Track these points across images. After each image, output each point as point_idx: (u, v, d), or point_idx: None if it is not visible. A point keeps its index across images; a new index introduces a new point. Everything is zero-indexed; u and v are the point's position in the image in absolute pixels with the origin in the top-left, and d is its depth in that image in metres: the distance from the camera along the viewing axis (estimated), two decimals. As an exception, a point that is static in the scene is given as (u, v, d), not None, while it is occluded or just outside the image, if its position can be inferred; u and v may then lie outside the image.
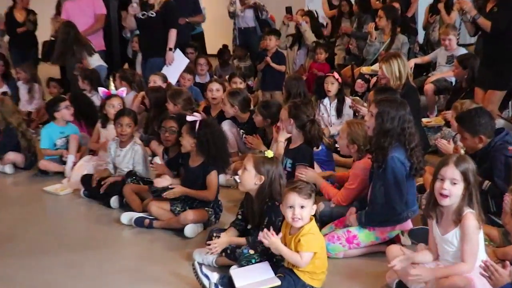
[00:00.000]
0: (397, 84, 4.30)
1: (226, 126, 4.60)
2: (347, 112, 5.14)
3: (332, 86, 5.12)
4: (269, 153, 2.90)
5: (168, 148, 3.93)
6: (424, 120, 5.19)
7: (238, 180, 3.01)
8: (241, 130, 4.70)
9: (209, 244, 2.90)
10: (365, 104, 4.64)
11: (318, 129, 3.58)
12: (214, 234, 3.04)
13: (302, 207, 2.57)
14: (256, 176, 2.86)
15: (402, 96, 3.68)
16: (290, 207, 2.57)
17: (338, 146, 3.86)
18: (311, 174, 3.44)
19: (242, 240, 2.90)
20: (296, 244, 2.58)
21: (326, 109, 5.21)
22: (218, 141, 3.45)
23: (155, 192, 3.65)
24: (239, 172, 2.94)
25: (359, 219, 3.05)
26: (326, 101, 5.23)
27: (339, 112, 5.15)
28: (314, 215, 2.67)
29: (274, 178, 2.87)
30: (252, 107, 4.79)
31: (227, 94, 4.71)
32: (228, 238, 2.93)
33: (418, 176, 3.02)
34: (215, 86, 5.04)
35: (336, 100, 5.19)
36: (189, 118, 3.47)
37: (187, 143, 3.47)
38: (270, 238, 2.57)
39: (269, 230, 2.63)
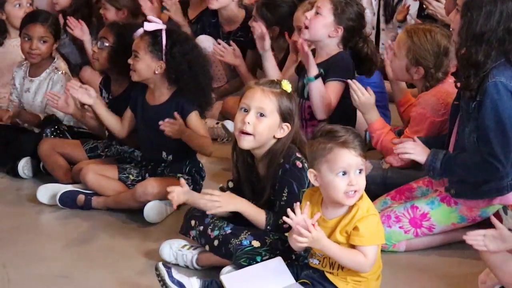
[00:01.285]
0: None
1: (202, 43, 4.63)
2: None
3: None
4: (286, 85, 2.91)
5: (108, 78, 3.90)
6: None
7: (231, 129, 3.03)
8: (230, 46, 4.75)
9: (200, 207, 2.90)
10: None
11: (372, 50, 3.70)
12: (196, 215, 3.00)
13: (360, 171, 2.54)
14: (279, 124, 2.88)
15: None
16: (343, 173, 2.52)
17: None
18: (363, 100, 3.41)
19: (259, 213, 2.87)
20: (350, 235, 2.56)
21: (371, 4, 5.23)
22: (199, 66, 3.48)
23: (94, 150, 3.71)
24: (244, 118, 2.85)
25: (432, 159, 3.02)
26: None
27: (391, 10, 5.18)
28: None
29: (298, 125, 2.93)
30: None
31: None
32: (238, 201, 2.91)
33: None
34: None
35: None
36: (148, 26, 3.49)
37: (147, 67, 3.48)
38: (312, 233, 2.48)
39: (291, 209, 2.58)
